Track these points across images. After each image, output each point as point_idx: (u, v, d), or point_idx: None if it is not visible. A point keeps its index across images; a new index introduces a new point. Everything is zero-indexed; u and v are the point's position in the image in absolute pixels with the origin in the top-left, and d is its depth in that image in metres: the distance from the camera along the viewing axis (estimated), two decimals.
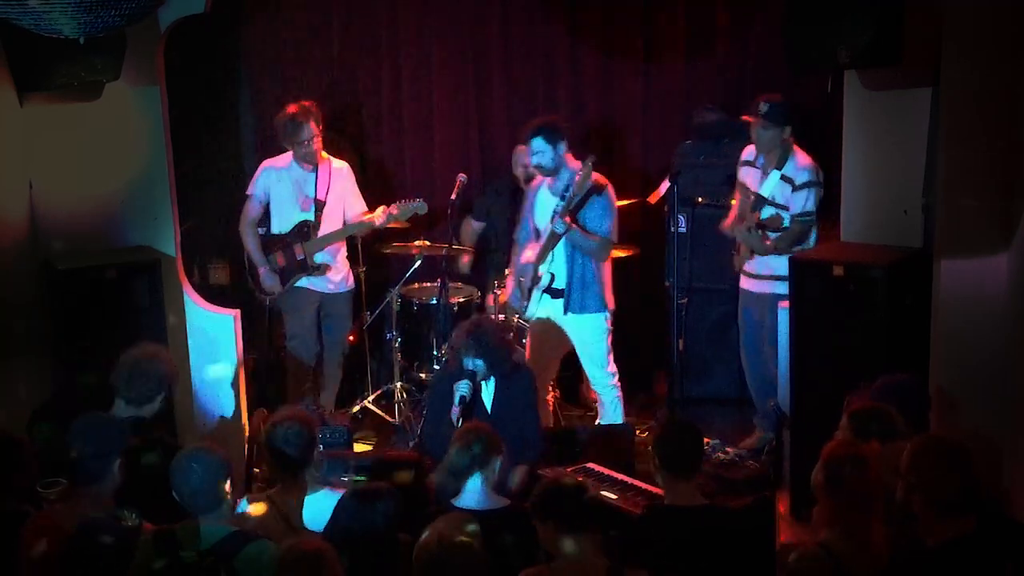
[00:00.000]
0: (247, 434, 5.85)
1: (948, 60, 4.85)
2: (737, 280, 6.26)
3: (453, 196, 6.26)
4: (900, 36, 4.88)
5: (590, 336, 5.93)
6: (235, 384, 5.96)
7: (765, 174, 5.91)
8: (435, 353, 6.49)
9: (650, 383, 7.23)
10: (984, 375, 4.84)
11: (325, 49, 7.38)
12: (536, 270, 5.89)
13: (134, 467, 3.96)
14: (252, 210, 6.31)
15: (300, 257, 6.27)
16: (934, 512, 3.42)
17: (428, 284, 6.89)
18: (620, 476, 4.78)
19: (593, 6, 7.31)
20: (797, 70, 5.66)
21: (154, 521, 3.72)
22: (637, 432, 6.00)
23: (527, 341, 6.17)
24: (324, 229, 6.28)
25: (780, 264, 5.69)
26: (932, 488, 3.41)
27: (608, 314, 5.91)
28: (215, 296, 6.36)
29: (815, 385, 5.21)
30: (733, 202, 6.56)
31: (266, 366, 6.89)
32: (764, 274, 5.96)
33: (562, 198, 5.73)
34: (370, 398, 6.80)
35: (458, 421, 4.82)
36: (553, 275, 5.87)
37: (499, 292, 6.54)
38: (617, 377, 6.03)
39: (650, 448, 4.08)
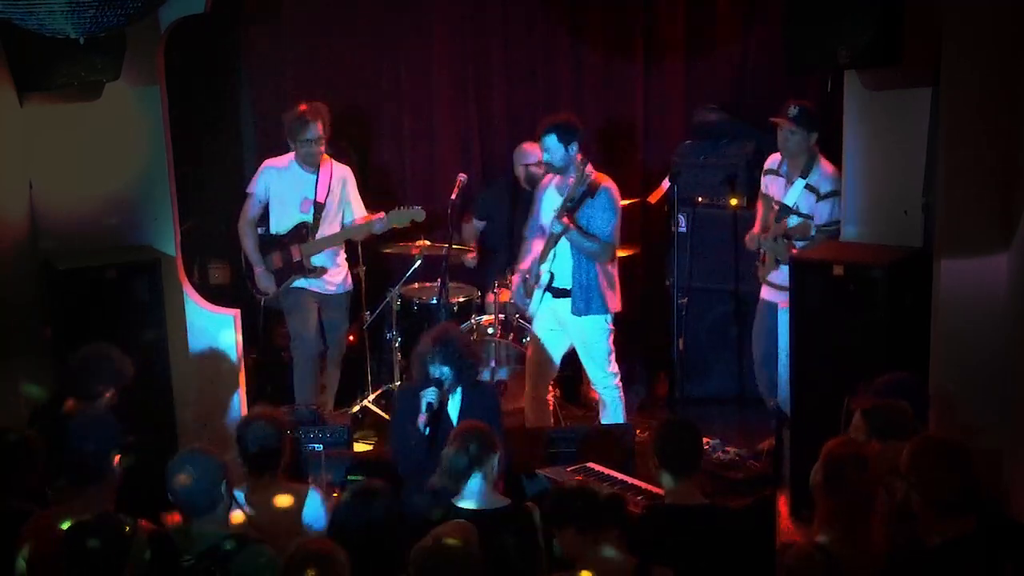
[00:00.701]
0: None
1: (948, 60, 4.84)
2: (750, 284, 6.20)
3: (453, 196, 6.26)
4: (900, 36, 4.88)
5: (591, 337, 5.92)
6: (235, 383, 5.95)
7: (790, 182, 5.86)
8: None
9: (651, 383, 7.22)
10: (984, 375, 4.84)
11: (325, 49, 7.38)
12: (538, 268, 5.89)
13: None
14: (251, 209, 6.30)
15: (297, 259, 6.27)
16: (934, 512, 3.42)
17: (428, 284, 6.89)
18: (620, 475, 4.78)
19: (593, 6, 7.31)
20: (797, 70, 5.65)
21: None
22: (637, 432, 6.00)
23: (529, 340, 6.17)
24: (322, 232, 6.26)
25: None
26: (932, 488, 3.41)
27: (610, 316, 5.91)
28: (215, 296, 6.35)
29: (815, 385, 5.21)
30: (734, 202, 6.60)
31: (266, 365, 6.89)
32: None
33: (568, 199, 5.73)
34: (370, 398, 6.79)
35: (425, 428, 4.72)
36: (552, 274, 5.86)
37: (499, 292, 6.54)
38: (619, 377, 6.03)
39: (650, 447, 4.08)
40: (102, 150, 5.62)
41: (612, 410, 6.03)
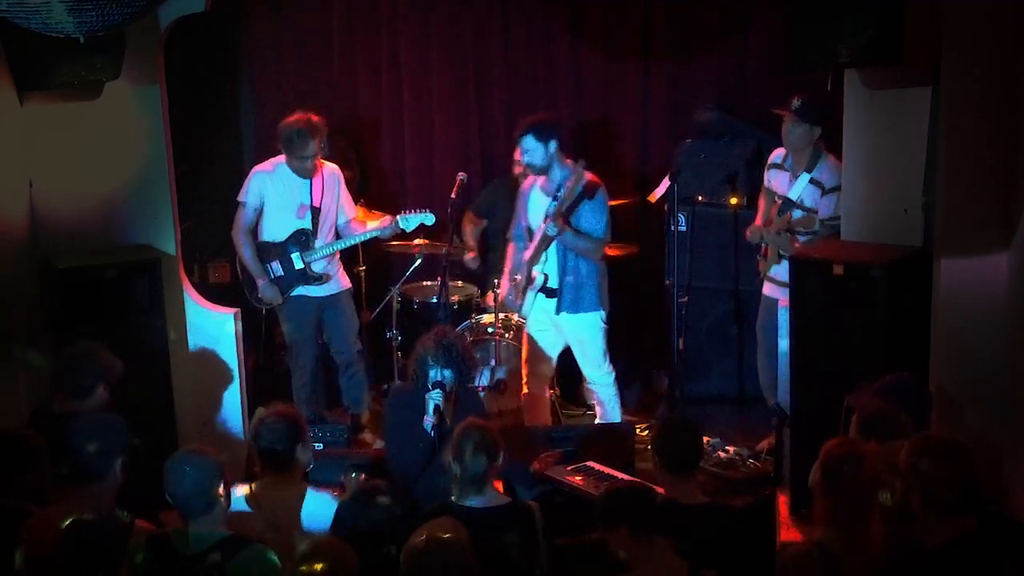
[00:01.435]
0: (247, 433, 5.85)
1: (948, 59, 4.85)
2: (750, 283, 6.21)
3: (453, 195, 6.26)
4: (900, 35, 4.88)
5: (585, 335, 5.93)
6: (235, 382, 5.96)
7: (794, 176, 5.86)
8: None
9: (651, 382, 7.23)
10: (984, 375, 4.84)
11: (325, 48, 7.38)
12: (530, 270, 5.89)
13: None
14: (246, 218, 6.14)
15: (299, 266, 6.17)
16: (934, 512, 3.42)
17: (428, 283, 6.89)
18: (620, 475, 4.78)
19: (593, 6, 7.30)
20: (797, 69, 5.66)
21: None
22: (637, 431, 6.00)
23: (523, 340, 6.17)
24: (320, 236, 6.18)
25: None
26: (931, 488, 3.41)
27: (604, 313, 5.91)
28: (215, 295, 6.35)
29: (815, 384, 5.21)
30: (734, 201, 6.59)
31: (266, 365, 6.89)
32: None
33: (554, 199, 5.72)
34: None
35: (432, 431, 4.70)
36: (547, 275, 5.88)
37: (499, 291, 6.54)
38: (615, 375, 6.04)
39: (650, 447, 4.08)
40: (102, 149, 5.62)
41: (609, 408, 6.04)
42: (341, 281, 6.36)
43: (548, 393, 6.28)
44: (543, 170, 5.79)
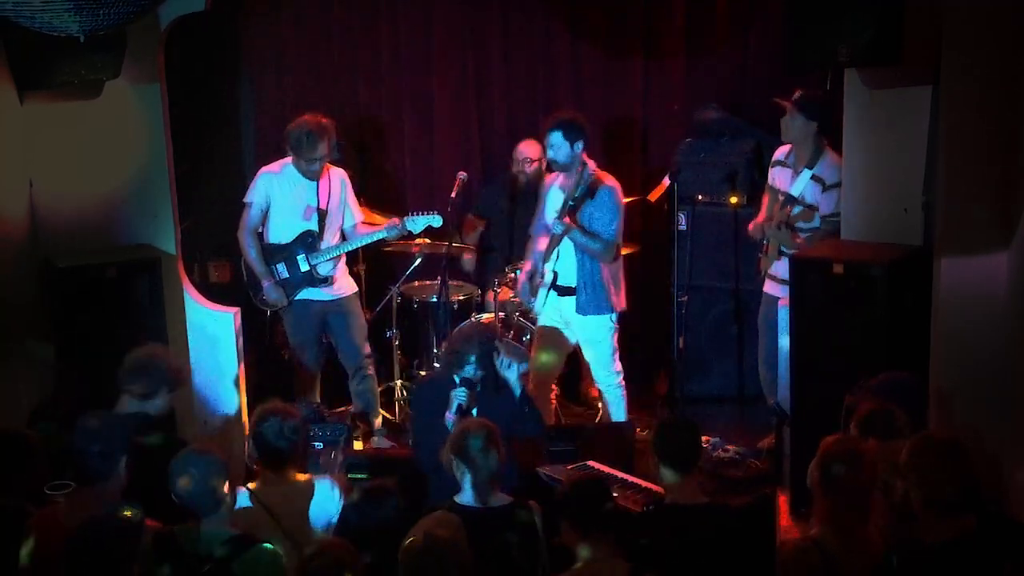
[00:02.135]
0: (248, 432, 5.84)
1: (948, 59, 4.85)
2: (760, 283, 6.21)
3: (453, 194, 6.26)
4: (900, 35, 4.88)
5: (596, 336, 5.93)
6: (236, 382, 5.96)
7: (796, 173, 5.88)
8: (435, 351, 6.49)
9: (651, 381, 7.23)
10: (984, 374, 4.84)
11: (325, 47, 7.38)
12: (542, 267, 5.90)
13: (143, 463, 3.95)
14: (252, 219, 6.12)
15: (305, 269, 6.14)
16: (934, 511, 3.42)
17: (428, 282, 6.89)
18: (620, 474, 4.78)
19: (593, 5, 7.30)
20: (797, 68, 5.66)
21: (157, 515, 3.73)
22: (637, 430, 6.00)
23: (535, 337, 6.17)
24: (326, 238, 6.17)
25: None
26: (932, 487, 3.41)
27: (615, 315, 5.91)
28: (215, 294, 6.35)
29: (815, 383, 5.21)
30: (734, 200, 6.58)
31: (266, 364, 6.89)
32: None
33: (571, 198, 5.74)
34: None
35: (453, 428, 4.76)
36: (556, 273, 5.87)
37: (499, 290, 6.54)
38: (622, 377, 6.04)
39: (650, 446, 4.08)
40: (102, 149, 5.62)
41: (614, 409, 6.04)
42: (347, 285, 6.34)
43: (552, 392, 6.28)
44: (565, 167, 5.79)
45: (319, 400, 6.42)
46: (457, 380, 4.86)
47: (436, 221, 6.19)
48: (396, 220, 6.22)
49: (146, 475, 3.87)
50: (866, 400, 4.17)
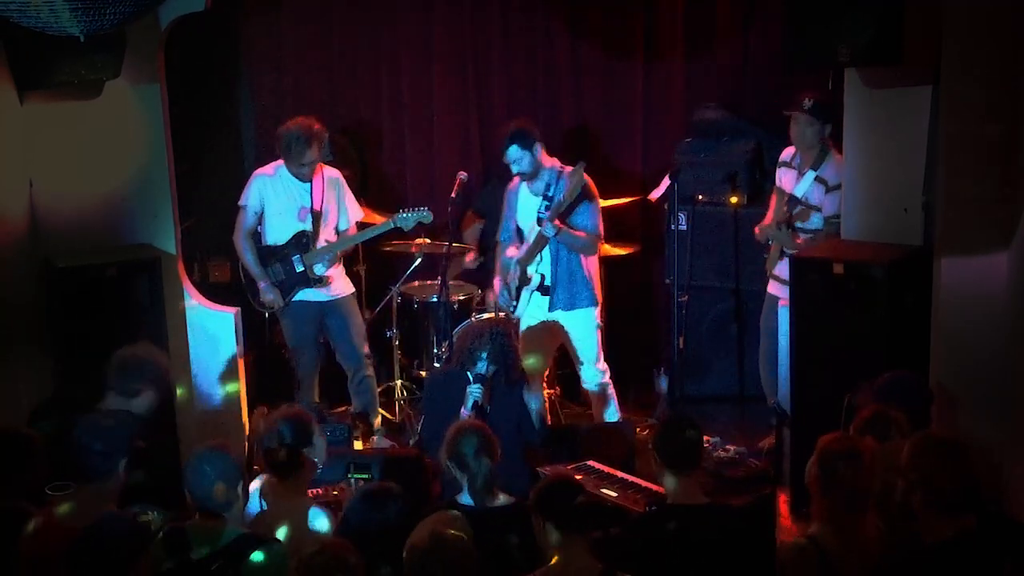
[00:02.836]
0: (247, 432, 5.85)
1: (948, 59, 4.85)
2: (750, 282, 6.21)
3: (453, 194, 6.26)
4: (900, 34, 4.89)
5: (582, 331, 5.96)
6: (236, 381, 5.96)
7: (800, 174, 5.89)
8: (435, 351, 6.49)
9: (651, 381, 7.22)
10: (984, 374, 4.84)
11: (325, 47, 7.38)
12: (524, 271, 5.91)
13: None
14: (247, 221, 6.14)
15: (300, 269, 6.15)
16: (934, 510, 3.42)
17: (429, 282, 6.89)
18: (620, 474, 4.78)
19: (593, 5, 7.30)
20: (797, 68, 5.66)
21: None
22: (637, 430, 6.00)
23: (519, 340, 6.17)
24: (321, 239, 6.17)
25: None
26: (932, 486, 3.41)
27: (597, 307, 5.92)
28: (215, 294, 6.35)
29: (815, 383, 5.22)
30: (734, 200, 6.58)
31: (266, 364, 6.89)
32: None
33: (545, 198, 5.79)
34: None
35: None
36: (543, 276, 5.91)
37: (492, 292, 6.55)
38: (608, 374, 6.05)
39: (650, 446, 4.08)
40: (102, 149, 5.62)
41: (606, 407, 6.06)
42: (344, 286, 6.34)
43: (546, 393, 6.28)
44: (533, 175, 5.87)
45: (318, 400, 6.41)
46: (470, 376, 4.89)
47: (426, 217, 6.21)
48: (387, 218, 6.24)
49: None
50: (868, 400, 4.17)
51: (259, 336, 6.76)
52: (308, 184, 6.12)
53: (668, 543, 3.78)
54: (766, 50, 6.86)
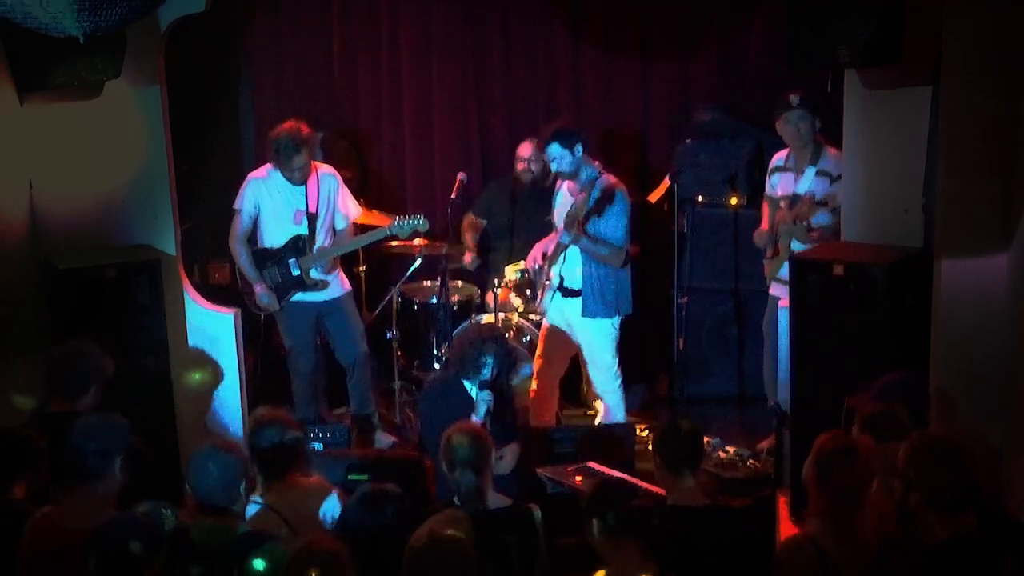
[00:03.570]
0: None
1: (948, 59, 4.85)
2: (750, 283, 6.19)
3: (453, 195, 6.26)
4: (900, 35, 4.88)
5: (596, 340, 5.94)
6: (236, 383, 5.95)
7: (800, 173, 5.88)
8: (435, 352, 6.49)
9: (650, 382, 7.23)
10: (984, 374, 4.84)
11: (325, 48, 7.38)
12: (548, 270, 5.91)
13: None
14: (242, 225, 6.12)
15: (296, 273, 6.13)
16: (934, 510, 3.42)
17: (428, 283, 6.89)
18: (621, 475, 4.78)
19: (593, 6, 7.31)
20: (797, 69, 5.65)
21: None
22: (637, 431, 6.00)
23: (540, 337, 6.17)
24: (318, 240, 6.15)
25: None
26: (931, 485, 3.41)
27: (618, 319, 5.93)
28: (215, 295, 6.35)
29: (815, 385, 5.20)
30: (734, 201, 6.57)
31: (266, 365, 6.89)
32: None
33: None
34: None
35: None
36: (563, 277, 5.90)
37: (499, 291, 6.55)
38: (621, 381, 6.05)
39: (651, 448, 4.08)
40: (102, 150, 5.62)
41: (613, 414, 6.05)
42: (341, 285, 6.31)
43: (556, 393, 6.28)
44: (573, 175, 5.85)
45: (318, 402, 6.41)
46: (473, 383, 4.89)
47: (422, 226, 6.18)
48: (384, 224, 6.22)
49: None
50: (869, 401, 4.16)
51: (258, 337, 6.76)
52: (302, 187, 6.09)
53: (668, 545, 3.77)
54: (766, 51, 6.86)
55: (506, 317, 6.52)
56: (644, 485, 4.61)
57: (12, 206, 5.41)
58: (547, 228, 6.16)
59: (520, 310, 6.52)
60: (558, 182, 6.07)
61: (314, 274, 6.13)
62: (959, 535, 3.37)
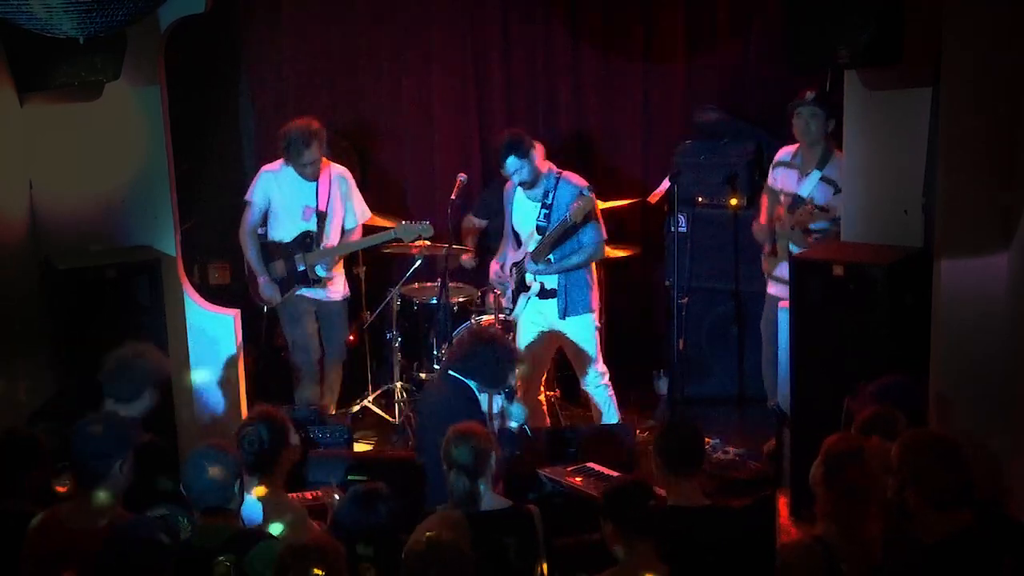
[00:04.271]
0: None
1: (948, 59, 4.85)
2: (750, 284, 6.19)
3: (453, 196, 6.26)
4: (900, 35, 4.88)
5: (580, 336, 5.96)
6: (236, 383, 5.96)
7: (804, 174, 5.86)
8: (435, 353, 6.49)
9: (650, 383, 7.22)
10: (984, 374, 4.84)
11: (325, 49, 7.38)
12: (522, 277, 5.95)
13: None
14: (252, 217, 6.19)
15: (301, 268, 6.19)
16: (929, 508, 3.42)
17: (428, 284, 6.89)
18: (620, 475, 4.77)
19: (593, 6, 7.31)
20: (797, 69, 5.65)
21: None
22: (636, 432, 6.00)
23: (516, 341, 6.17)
24: (326, 238, 6.21)
25: None
26: (925, 484, 3.41)
27: (595, 313, 5.94)
28: (215, 296, 6.35)
29: (815, 385, 5.21)
30: (734, 202, 6.57)
31: (266, 365, 6.89)
32: None
33: (544, 206, 5.82)
34: (370, 398, 6.80)
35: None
36: (543, 283, 5.92)
37: (499, 292, 6.55)
38: (607, 376, 6.05)
39: (651, 448, 4.08)
40: (102, 150, 5.62)
41: (605, 409, 6.05)
42: (340, 289, 6.40)
43: (544, 396, 6.28)
44: (534, 182, 5.87)
45: (319, 401, 6.41)
46: (497, 392, 4.89)
47: (427, 231, 6.26)
48: (390, 227, 6.28)
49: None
50: (866, 404, 4.16)
51: (258, 337, 6.76)
52: (314, 183, 6.16)
53: (668, 545, 3.77)
54: (766, 50, 6.86)
55: (505, 318, 6.51)
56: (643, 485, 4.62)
57: (12, 206, 5.40)
58: None
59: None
60: (508, 184, 6.06)
61: (319, 271, 6.20)
62: (956, 533, 3.37)
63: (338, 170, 6.30)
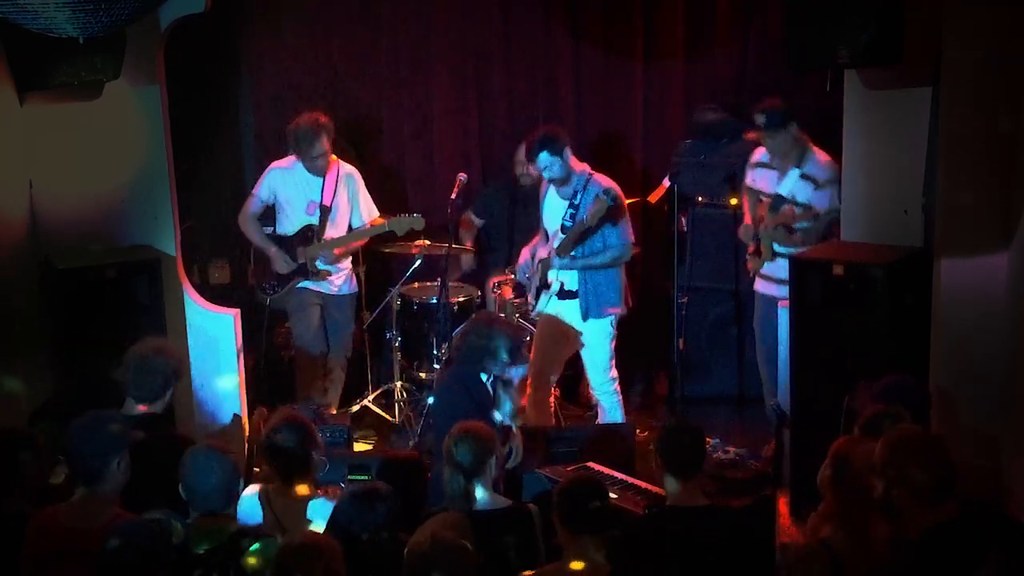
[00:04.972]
0: (247, 433, 5.84)
1: (948, 59, 4.85)
2: (750, 284, 6.19)
3: (453, 195, 6.26)
4: (900, 35, 4.89)
5: (595, 340, 5.96)
6: (235, 383, 5.96)
7: (783, 173, 5.87)
8: (435, 352, 6.49)
9: (650, 383, 7.23)
10: (984, 374, 4.84)
11: (325, 48, 7.37)
12: (545, 274, 5.94)
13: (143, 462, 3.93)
14: (252, 206, 6.29)
15: (301, 260, 6.25)
16: (916, 504, 3.42)
17: (428, 283, 6.89)
18: (620, 475, 4.78)
19: (593, 6, 7.31)
20: (797, 69, 5.66)
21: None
22: (637, 431, 6.00)
23: (532, 341, 6.17)
24: (329, 234, 6.26)
25: None
26: (909, 480, 3.40)
27: (615, 318, 5.94)
28: (215, 296, 6.36)
29: (815, 385, 5.21)
30: (734, 201, 6.57)
31: (266, 365, 6.89)
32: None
33: (571, 205, 5.81)
34: (370, 397, 6.80)
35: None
36: (563, 282, 5.91)
37: (499, 291, 6.55)
38: (617, 382, 6.05)
39: (652, 448, 4.08)
40: (102, 150, 5.63)
41: (611, 414, 6.05)
42: (350, 284, 6.46)
43: (552, 394, 6.28)
44: (565, 180, 5.86)
45: (321, 399, 6.41)
46: (491, 373, 4.87)
47: (419, 223, 6.26)
48: (383, 220, 6.31)
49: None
50: (866, 403, 4.16)
51: (259, 338, 6.76)
52: (321, 179, 6.23)
53: (668, 545, 3.77)
54: (766, 50, 6.86)
55: (506, 317, 6.51)
56: (644, 485, 4.63)
57: (12, 206, 5.41)
58: None
59: (517, 314, 6.52)
60: (543, 183, 6.07)
61: (320, 264, 6.24)
62: (941, 524, 3.37)
63: (347, 168, 6.36)
